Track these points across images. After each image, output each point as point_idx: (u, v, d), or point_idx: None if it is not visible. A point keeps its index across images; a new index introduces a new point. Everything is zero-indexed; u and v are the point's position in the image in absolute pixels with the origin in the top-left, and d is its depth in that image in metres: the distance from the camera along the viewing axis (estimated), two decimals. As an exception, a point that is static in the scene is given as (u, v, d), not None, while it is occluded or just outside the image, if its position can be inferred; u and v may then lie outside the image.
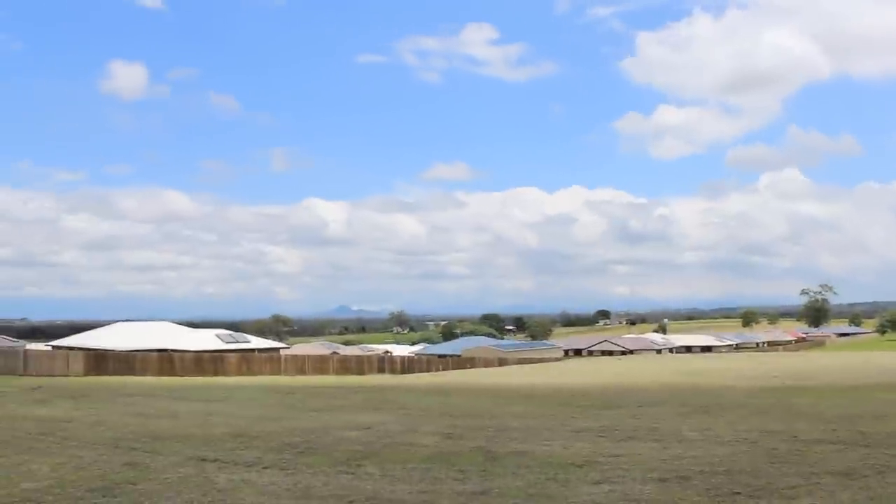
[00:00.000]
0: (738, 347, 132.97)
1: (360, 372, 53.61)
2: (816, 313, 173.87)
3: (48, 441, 13.36)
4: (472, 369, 58.66)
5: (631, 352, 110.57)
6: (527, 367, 59.83)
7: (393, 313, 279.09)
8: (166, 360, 46.86)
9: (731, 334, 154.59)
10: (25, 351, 49.23)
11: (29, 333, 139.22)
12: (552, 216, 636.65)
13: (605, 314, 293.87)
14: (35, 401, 22.60)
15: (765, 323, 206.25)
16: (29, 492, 8.95)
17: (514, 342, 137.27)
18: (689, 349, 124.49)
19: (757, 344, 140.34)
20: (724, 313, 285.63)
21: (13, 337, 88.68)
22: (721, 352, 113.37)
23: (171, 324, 64.64)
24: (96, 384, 32.04)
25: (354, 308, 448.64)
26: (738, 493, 8.23)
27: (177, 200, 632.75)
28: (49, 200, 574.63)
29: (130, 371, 44.35)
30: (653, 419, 14.98)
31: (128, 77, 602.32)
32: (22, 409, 19.74)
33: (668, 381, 29.38)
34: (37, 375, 40.69)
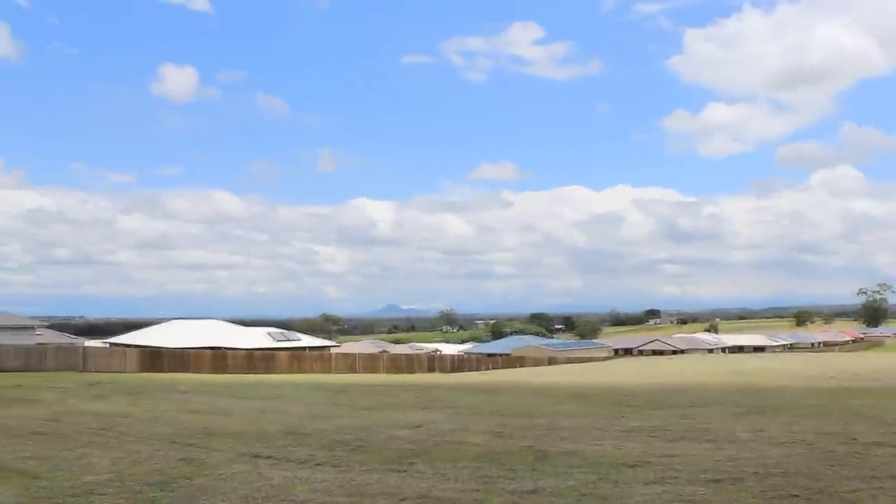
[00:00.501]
0: (791, 348, 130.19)
1: (411, 370, 53.79)
2: (874, 313, 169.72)
3: (107, 436, 13.66)
4: (522, 368, 58.54)
5: (682, 351, 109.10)
6: (576, 366, 59.58)
7: (442, 312, 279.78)
8: (219, 358, 47.49)
9: (785, 334, 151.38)
10: (84, 348, 50.02)
11: (87, 331, 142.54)
12: (599, 215, 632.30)
13: (654, 313, 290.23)
14: (94, 396, 23.11)
15: (819, 323, 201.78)
16: (91, 484, 9.17)
17: (563, 341, 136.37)
18: (741, 349, 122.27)
19: (812, 344, 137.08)
20: (776, 313, 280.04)
21: (72, 334, 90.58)
22: (775, 352, 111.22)
23: (223, 322, 65.39)
24: (151, 381, 32.54)
25: (403, 307, 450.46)
26: (796, 496, 8.04)
27: (226, 201, 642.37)
28: (104, 201, 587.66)
29: (184, 368, 44.96)
30: (705, 419, 14.75)
31: (178, 80, 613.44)
32: (82, 405, 20.15)
33: (720, 381, 28.87)
34: (95, 372, 41.40)
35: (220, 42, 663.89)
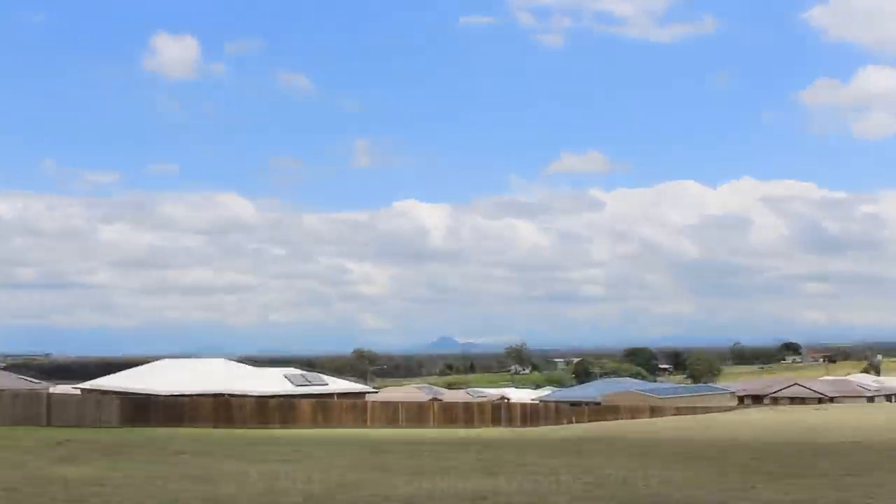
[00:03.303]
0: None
1: (469, 423, 53.57)
2: None
3: (79, 509, 13.77)
4: (616, 421, 57.98)
5: (830, 399, 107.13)
6: (688, 418, 58.87)
7: (510, 347, 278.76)
8: (223, 407, 47.77)
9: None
10: (49, 395, 50.23)
11: (53, 372, 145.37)
12: (717, 218, 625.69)
13: (792, 348, 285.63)
14: (62, 458, 23.21)
15: None
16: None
17: (669, 385, 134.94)
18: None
19: None
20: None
21: (34, 377, 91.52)
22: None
23: (229, 361, 65.71)
24: (136, 437, 32.72)
25: (460, 341, 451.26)
26: None
27: (236, 206, 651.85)
28: (78, 207, 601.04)
29: (178, 421, 45.25)
30: (867, 491, 14.45)
31: (175, 53, 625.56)
32: (46, 469, 20.26)
33: (885, 439, 28.23)
34: (64, 426, 41.42)
35: (228, 5, 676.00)
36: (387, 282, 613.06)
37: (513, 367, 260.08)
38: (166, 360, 67.30)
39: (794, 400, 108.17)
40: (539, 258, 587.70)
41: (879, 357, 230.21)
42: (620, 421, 57.99)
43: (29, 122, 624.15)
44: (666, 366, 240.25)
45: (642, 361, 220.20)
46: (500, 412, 58.79)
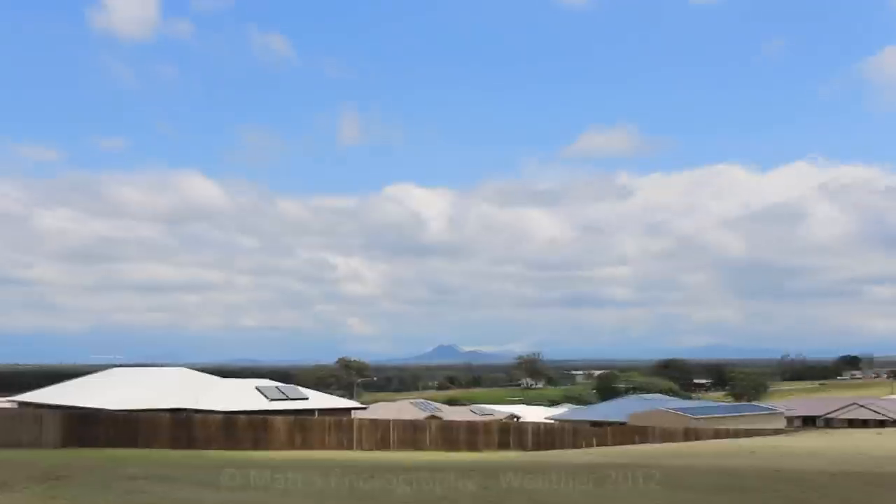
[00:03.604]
0: None
1: (473, 446, 53.78)
2: None
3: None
4: (645, 445, 57.92)
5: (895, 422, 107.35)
6: (731, 442, 58.72)
7: (522, 358, 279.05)
8: (183, 426, 48.07)
9: None
10: (-22, 410, 49.89)
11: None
12: (767, 209, 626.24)
13: (853, 362, 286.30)
14: (-7, 484, 23.13)
15: None
16: None
17: (708, 404, 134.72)
18: None
19: None
20: None
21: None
22: None
23: (191, 371, 66.04)
24: (81, 460, 32.61)
25: (463, 349, 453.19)
26: None
27: (200, 188, 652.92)
28: (14, 189, 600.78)
29: (131, 441, 45.42)
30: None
31: (130, 9, 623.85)
32: (-25, 497, 20.19)
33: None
34: (-4, 446, 41.33)
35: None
36: (378, 280, 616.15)
37: (525, 381, 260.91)
38: (117, 370, 67.80)
39: (852, 422, 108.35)
40: (557, 254, 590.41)
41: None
42: (649, 445, 57.90)
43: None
44: (704, 381, 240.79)
45: (676, 376, 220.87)
46: (510, 434, 58.90)
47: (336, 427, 51.11)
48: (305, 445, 47.96)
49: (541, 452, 50.15)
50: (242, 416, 50.25)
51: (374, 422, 54.92)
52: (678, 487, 22.93)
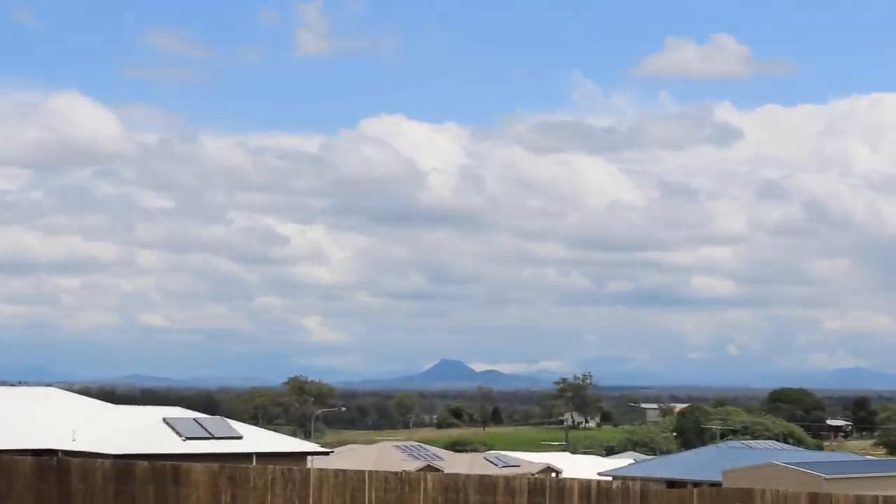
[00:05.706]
0: None
1: (490, 512, 42.05)
2: None
3: None
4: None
5: None
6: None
7: (563, 381, 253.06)
8: (53, 475, 38.60)
9: None
10: None
11: None
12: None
13: None
14: None
15: None
16: None
17: (848, 457, 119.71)
18: None
19: None
20: None
21: None
22: None
23: (67, 392, 61.86)
24: None
25: (477, 368, 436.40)
26: None
27: (83, 118, 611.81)
28: None
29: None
30: None
31: None
32: None
33: None
34: None
35: None
36: (350, 261, 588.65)
37: (568, 417, 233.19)
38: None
39: None
40: (620, 226, 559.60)
41: None
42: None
43: None
44: (841, 422, 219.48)
45: (800, 413, 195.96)
46: (545, 496, 45.69)
47: (283, 481, 40.12)
48: (236, 508, 36.62)
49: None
50: (143, 463, 39.16)
51: (340, 474, 43.74)
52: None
